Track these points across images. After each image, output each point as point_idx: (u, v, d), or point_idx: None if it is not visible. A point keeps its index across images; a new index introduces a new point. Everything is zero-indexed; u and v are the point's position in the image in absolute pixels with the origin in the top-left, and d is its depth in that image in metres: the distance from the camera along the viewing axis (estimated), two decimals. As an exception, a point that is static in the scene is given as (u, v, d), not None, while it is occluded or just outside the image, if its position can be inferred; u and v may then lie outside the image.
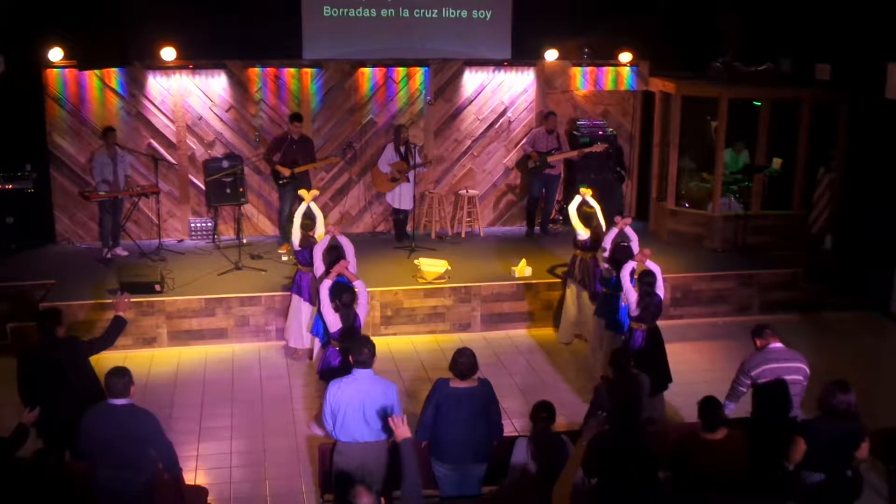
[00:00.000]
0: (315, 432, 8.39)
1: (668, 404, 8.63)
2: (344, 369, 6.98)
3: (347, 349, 7.05)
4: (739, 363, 7.19)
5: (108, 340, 7.17)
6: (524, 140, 12.98)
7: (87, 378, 6.94)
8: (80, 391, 6.75)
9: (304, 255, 9.64)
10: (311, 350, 9.72)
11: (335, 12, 12.29)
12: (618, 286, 9.18)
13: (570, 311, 10.28)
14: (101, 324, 9.99)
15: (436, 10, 12.52)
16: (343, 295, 7.97)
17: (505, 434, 6.74)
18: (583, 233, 9.94)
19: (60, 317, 7.11)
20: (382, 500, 5.17)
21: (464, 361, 6.43)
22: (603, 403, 6.86)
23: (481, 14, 12.68)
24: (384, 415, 6.29)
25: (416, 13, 12.48)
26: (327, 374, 7.71)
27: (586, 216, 10.00)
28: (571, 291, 10.21)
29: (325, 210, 12.89)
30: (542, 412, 6.18)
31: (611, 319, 9.10)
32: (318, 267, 8.79)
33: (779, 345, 7.07)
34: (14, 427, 6.14)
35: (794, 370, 6.96)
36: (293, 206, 12.08)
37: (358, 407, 6.23)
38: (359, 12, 12.33)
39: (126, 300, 7.46)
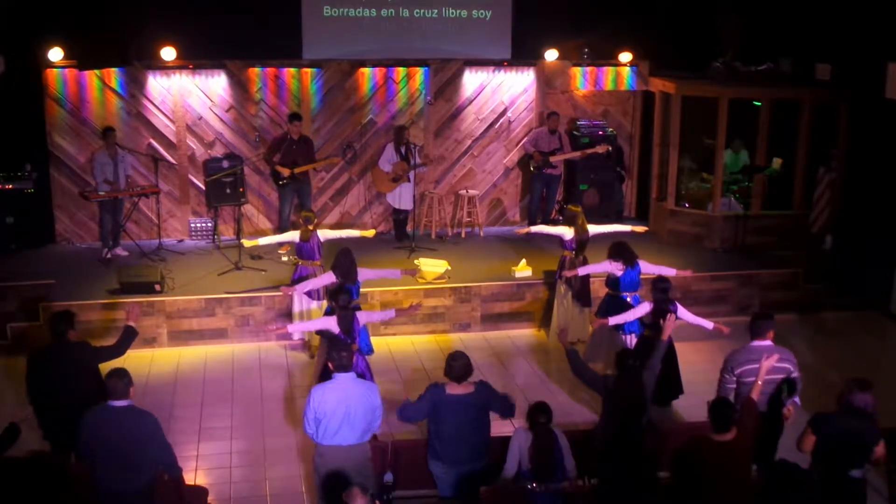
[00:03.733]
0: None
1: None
2: (325, 375, 6.95)
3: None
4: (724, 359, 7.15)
5: (119, 349, 7.10)
6: (526, 139, 12.98)
7: (94, 383, 6.91)
8: (88, 395, 6.74)
9: (305, 247, 9.68)
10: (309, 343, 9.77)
11: (335, 12, 12.28)
12: (618, 286, 9.18)
13: (557, 311, 10.31)
14: (101, 324, 10.03)
15: (436, 10, 12.52)
16: (340, 297, 7.98)
17: (505, 434, 6.74)
18: (567, 233, 9.94)
19: (73, 319, 7.09)
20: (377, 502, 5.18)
21: (458, 365, 6.41)
22: (599, 387, 6.87)
23: (481, 14, 12.67)
24: (367, 417, 6.28)
25: (416, 13, 12.47)
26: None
27: (571, 216, 10.01)
28: (559, 292, 10.23)
29: (325, 210, 12.91)
30: (541, 416, 6.17)
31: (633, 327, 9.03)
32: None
33: (766, 343, 7.00)
34: (6, 426, 6.13)
35: (776, 370, 6.89)
36: (293, 206, 12.11)
37: (343, 411, 6.23)
38: (359, 12, 12.33)
39: (137, 310, 7.48)
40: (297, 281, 9.62)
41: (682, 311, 8.29)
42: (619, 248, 9.20)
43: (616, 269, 9.14)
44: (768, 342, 7.02)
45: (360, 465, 6.33)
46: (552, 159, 12.54)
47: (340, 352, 6.39)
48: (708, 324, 8.38)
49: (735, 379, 6.94)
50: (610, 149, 12.74)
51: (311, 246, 9.75)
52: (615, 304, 9.12)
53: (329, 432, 6.25)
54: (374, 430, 6.42)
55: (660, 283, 8.24)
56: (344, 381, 6.32)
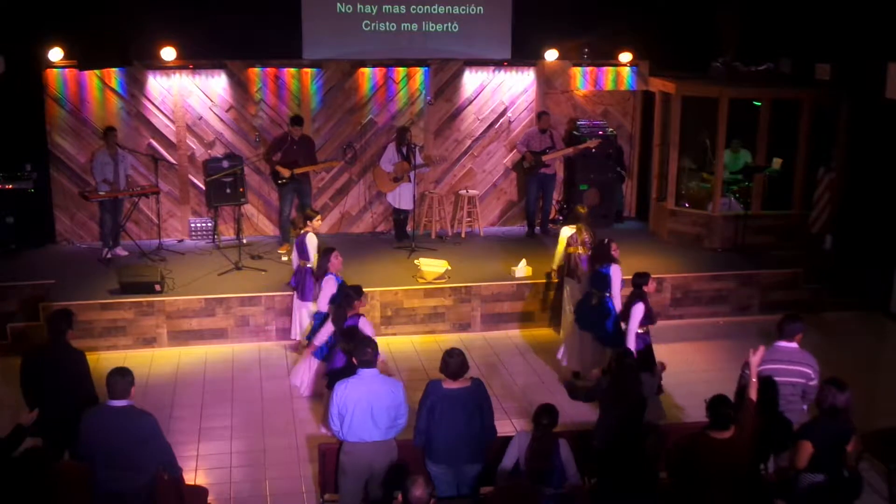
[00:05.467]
0: (324, 432, 8.39)
1: (668, 404, 8.61)
2: (349, 370, 6.97)
3: (349, 350, 7.06)
4: (743, 360, 7.08)
5: (95, 394, 6.93)
6: (518, 141, 12.97)
7: (87, 389, 6.91)
8: (82, 397, 6.74)
9: (296, 244, 9.76)
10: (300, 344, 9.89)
11: (335, 12, 12.28)
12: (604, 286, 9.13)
13: (565, 308, 10.25)
14: (101, 324, 10.05)
15: (436, 10, 12.52)
16: (342, 298, 8.01)
17: (505, 434, 6.74)
18: (567, 231, 9.89)
19: (72, 319, 7.09)
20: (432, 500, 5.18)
21: (454, 362, 6.42)
22: (598, 394, 6.85)
23: (481, 14, 12.66)
24: (391, 413, 6.28)
25: (415, 10, 12.46)
26: (333, 375, 7.72)
27: (575, 215, 9.96)
28: (566, 289, 10.19)
29: (325, 210, 12.91)
30: (544, 418, 6.17)
31: (601, 333, 9.00)
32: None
33: (791, 345, 6.94)
34: (12, 428, 6.13)
35: (794, 373, 6.87)
36: (293, 206, 12.11)
37: (366, 406, 6.22)
38: (359, 11, 12.33)
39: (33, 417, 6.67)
40: (301, 287, 9.71)
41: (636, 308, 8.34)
42: (597, 250, 9.17)
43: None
44: (794, 345, 6.94)
45: (388, 461, 6.32)
46: (545, 158, 12.55)
47: (365, 347, 6.39)
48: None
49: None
50: (601, 143, 12.74)
51: (304, 244, 9.69)
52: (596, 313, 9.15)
53: (353, 428, 6.24)
54: (399, 427, 6.40)
55: (637, 279, 8.38)
56: (367, 377, 6.32)
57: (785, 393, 6.88)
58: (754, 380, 6.58)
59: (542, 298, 10.95)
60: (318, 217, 10.02)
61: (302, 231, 9.84)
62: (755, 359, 6.62)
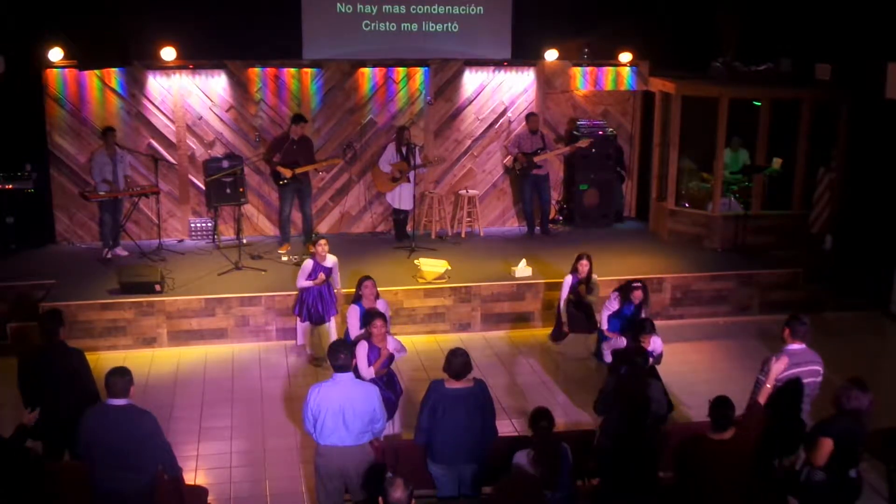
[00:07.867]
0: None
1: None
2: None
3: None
4: (761, 361, 7.00)
5: (95, 388, 6.96)
6: (508, 142, 12.97)
7: (85, 388, 6.90)
8: (80, 395, 6.74)
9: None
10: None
11: (335, 12, 12.28)
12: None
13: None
14: (101, 324, 10.04)
15: (436, 10, 12.53)
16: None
17: (504, 434, 6.74)
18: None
19: (62, 318, 7.10)
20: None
21: (457, 362, 6.40)
22: (608, 398, 6.84)
23: (481, 14, 12.67)
24: (364, 419, 6.26)
25: (415, 10, 12.47)
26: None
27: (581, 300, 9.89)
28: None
29: (325, 210, 12.91)
30: (542, 420, 6.16)
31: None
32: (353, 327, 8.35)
33: (800, 346, 6.94)
34: (14, 428, 6.14)
35: (811, 373, 6.91)
36: (293, 206, 12.11)
37: (338, 411, 6.18)
38: (359, 11, 12.34)
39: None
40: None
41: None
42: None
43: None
44: (804, 345, 6.96)
45: (359, 467, 6.30)
46: (536, 159, 12.55)
47: (338, 353, 6.36)
48: None
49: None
50: (592, 141, 12.74)
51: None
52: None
53: (325, 432, 6.22)
54: (374, 432, 6.37)
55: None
56: (342, 381, 6.30)
57: (808, 392, 6.92)
58: (769, 385, 6.59)
59: (542, 298, 10.95)
60: (323, 241, 9.72)
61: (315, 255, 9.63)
62: (778, 365, 6.64)
